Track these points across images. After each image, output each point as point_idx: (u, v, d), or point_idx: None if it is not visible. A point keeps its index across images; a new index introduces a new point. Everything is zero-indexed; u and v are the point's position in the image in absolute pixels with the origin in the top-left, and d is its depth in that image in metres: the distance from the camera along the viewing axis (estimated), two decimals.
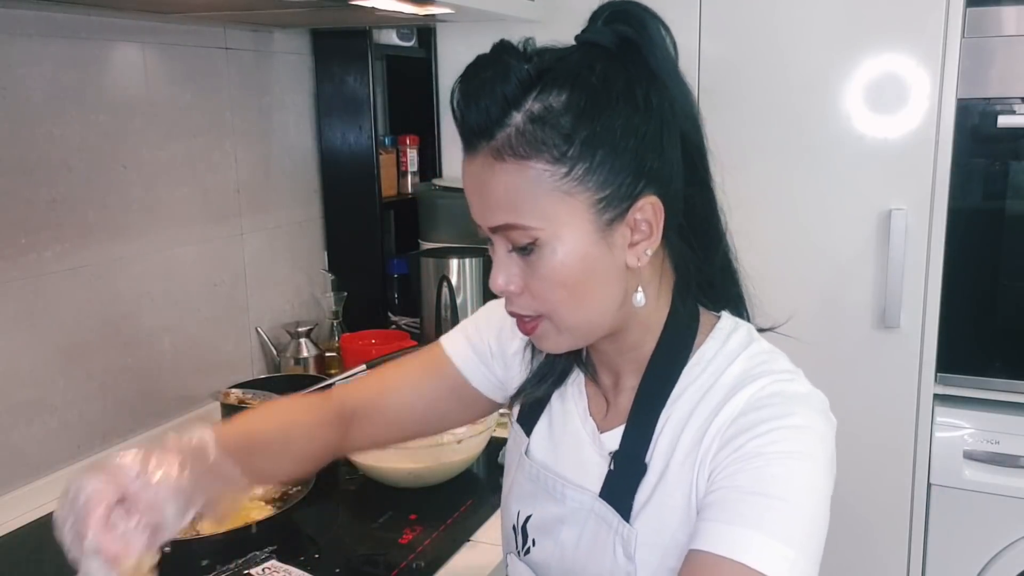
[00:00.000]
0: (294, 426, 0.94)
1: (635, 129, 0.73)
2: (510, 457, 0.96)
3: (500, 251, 0.77)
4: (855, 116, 1.80)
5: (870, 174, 1.80)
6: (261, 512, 1.25)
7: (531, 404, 0.92)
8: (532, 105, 0.72)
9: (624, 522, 0.78)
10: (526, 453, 0.91)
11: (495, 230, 0.76)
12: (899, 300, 1.79)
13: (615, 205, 0.74)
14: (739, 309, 0.87)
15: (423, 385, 0.99)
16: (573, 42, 0.78)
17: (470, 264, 1.98)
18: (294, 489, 1.32)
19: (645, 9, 0.77)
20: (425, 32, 2.19)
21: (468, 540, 1.25)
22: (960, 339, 1.78)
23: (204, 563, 1.15)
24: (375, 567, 1.20)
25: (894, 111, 1.77)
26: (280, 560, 1.15)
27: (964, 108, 1.71)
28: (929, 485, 1.83)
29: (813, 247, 1.86)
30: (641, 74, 0.75)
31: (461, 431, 1.43)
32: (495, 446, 1.52)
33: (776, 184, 1.84)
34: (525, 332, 0.80)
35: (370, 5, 1.48)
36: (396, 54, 2.19)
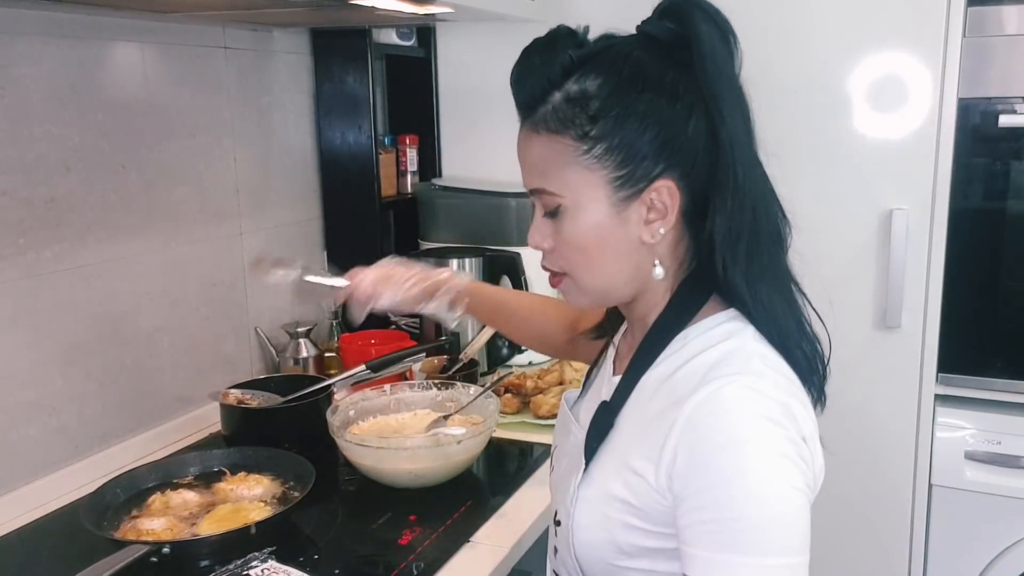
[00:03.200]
0: (534, 315, 1.28)
1: (658, 117, 0.80)
2: (562, 399, 1.08)
3: (537, 211, 0.88)
4: (856, 116, 1.79)
5: (871, 174, 1.80)
6: (260, 513, 1.25)
7: (595, 359, 1.04)
8: (571, 87, 0.82)
9: (583, 459, 0.88)
10: (571, 403, 1.02)
11: (531, 193, 0.87)
12: (900, 300, 1.79)
13: (631, 184, 0.81)
14: (809, 372, 0.85)
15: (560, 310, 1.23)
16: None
17: (470, 264, 1.98)
18: (294, 492, 1.32)
19: (698, 5, 0.82)
20: (425, 32, 2.18)
21: (468, 541, 1.25)
22: (961, 339, 1.78)
23: (204, 564, 1.14)
24: (375, 568, 1.20)
25: (895, 111, 1.77)
26: (279, 561, 1.15)
27: (965, 108, 1.71)
28: (930, 485, 1.83)
29: (814, 247, 1.83)
30: (678, 67, 0.81)
31: (461, 431, 1.43)
32: (495, 446, 1.52)
33: (777, 184, 1.83)
34: (553, 286, 0.90)
35: (370, 4, 1.47)
36: (396, 54, 2.19)
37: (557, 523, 0.92)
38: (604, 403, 0.90)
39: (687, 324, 0.86)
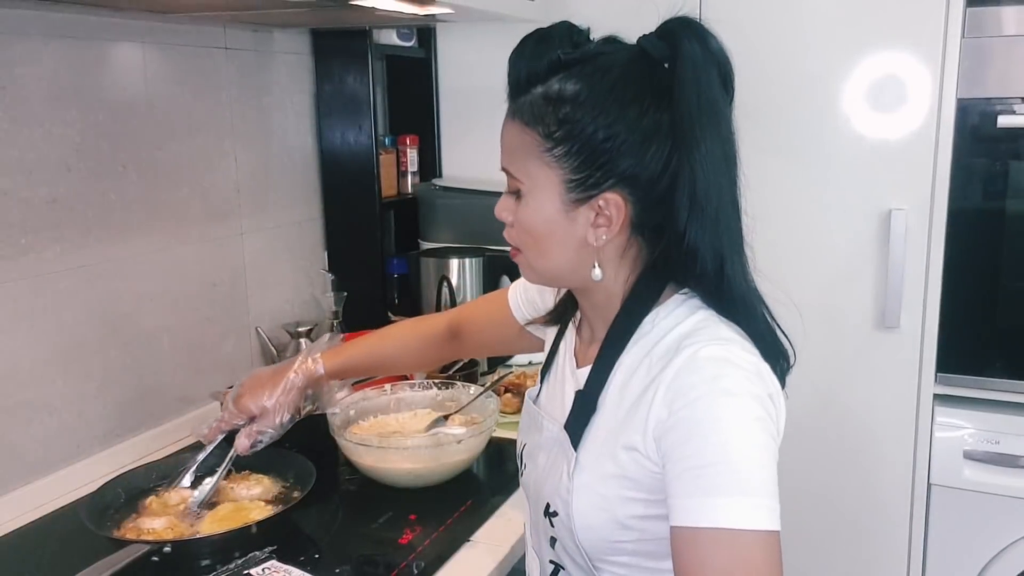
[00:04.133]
0: (404, 353, 1.35)
1: (617, 135, 0.83)
2: (526, 398, 1.09)
3: (507, 188, 0.92)
4: (855, 116, 1.80)
5: (870, 174, 1.80)
6: (261, 512, 1.25)
7: (549, 355, 1.07)
8: (552, 85, 0.86)
9: (572, 448, 0.91)
10: (534, 399, 1.05)
11: (503, 170, 0.92)
12: (899, 300, 1.79)
13: (582, 189, 0.86)
14: (768, 344, 0.88)
15: (502, 320, 1.24)
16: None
17: (470, 264, 1.98)
18: (294, 491, 1.32)
19: (693, 30, 0.83)
20: (425, 32, 2.18)
21: (468, 540, 1.25)
22: (960, 339, 1.78)
23: (204, 563, 1.14)
24: (375, 567, 1.20)
25: (894, 111, 1.77)
26: (280, 560, 1.15)
27: (964, 108, 1.71)
28: (929, 485, 1.83)
29: (813, 247, 1.85)
30: (659, 88, 0.83)
31: (461, 431, 1.43)
32: (495, 446, 1.52)
33: (776, 184, 1.84)
34: (511, 257, 0.96)
35: (370, 5, 1.48)
36: (396, 54, 2.19)
37: (553, 514, 0.94)
38: (580, 392, 0.93)
39: (649, 309, 0.90)
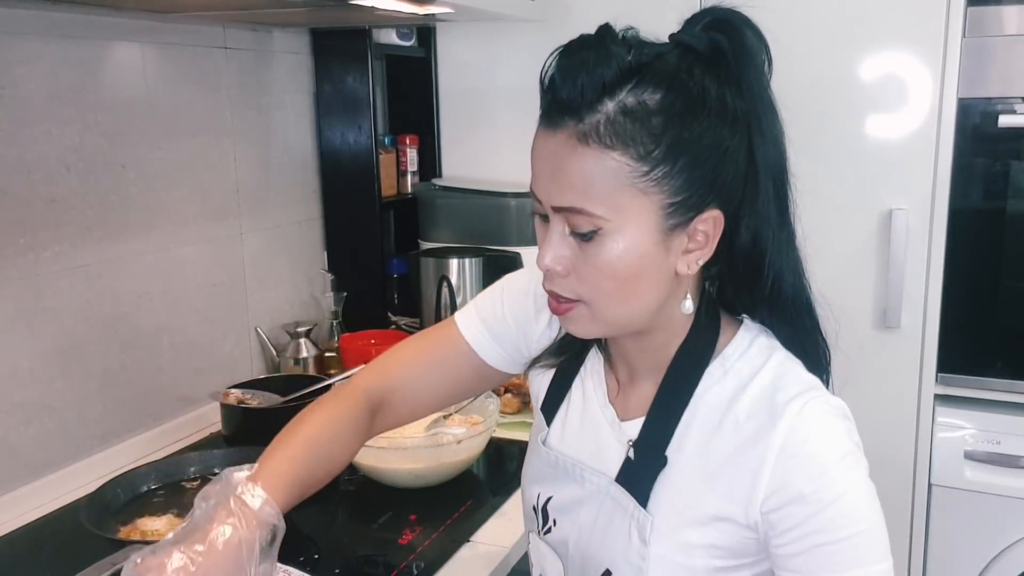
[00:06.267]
0: (334, 444, 0.93)
1: (720, 142, 0.75)
2: (532, 441, 0.98)
3: (555, 230, 0.77)
4: (856, 116, 1.79)
5: (871, 174, 1.80)
6: None
7: (553, 391, 0.95)
8: (626, 97, 0.72)
9: (640, 508, 0.81)
10: (544, 442, 0.93)
11: (559, 210, 0.76)
12: (900, 300, 1.79)
13: (682, 212, 0.75)
14: (815, 358, 0.87)
15: (444, 365, 1.00)
16: (666, 40, 0.79)
17: (470, 264, 1.98)
18: None
19: (745, 21, 0.77)
20: (425, 32, 2.18)
21: (468, 540, 1.25)
22: (961, 339, 1.78)
23: None
24: (375, 568, 1.20)
25: (895, 111, 1.77)
26: (279, 560, 1.15)
27: (965, 108, 1.71)
28: (930, 485, 1.83)
29: (813, 247, 1.84)
30: (733, 87, 0.76)
31: (461, 431, 1.43)
32: (495, 446, 1.52)
33: None
34: (557, 312, 0.81)
35: (370, 4, 1.47)
36: (396, 54, 2.19)
37: None
38: (638, 443, 0.83)
39: (715, 349, 0.83)
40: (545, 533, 0.92)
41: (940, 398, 1.82)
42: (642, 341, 0.84)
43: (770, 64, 0.79)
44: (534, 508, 0.93)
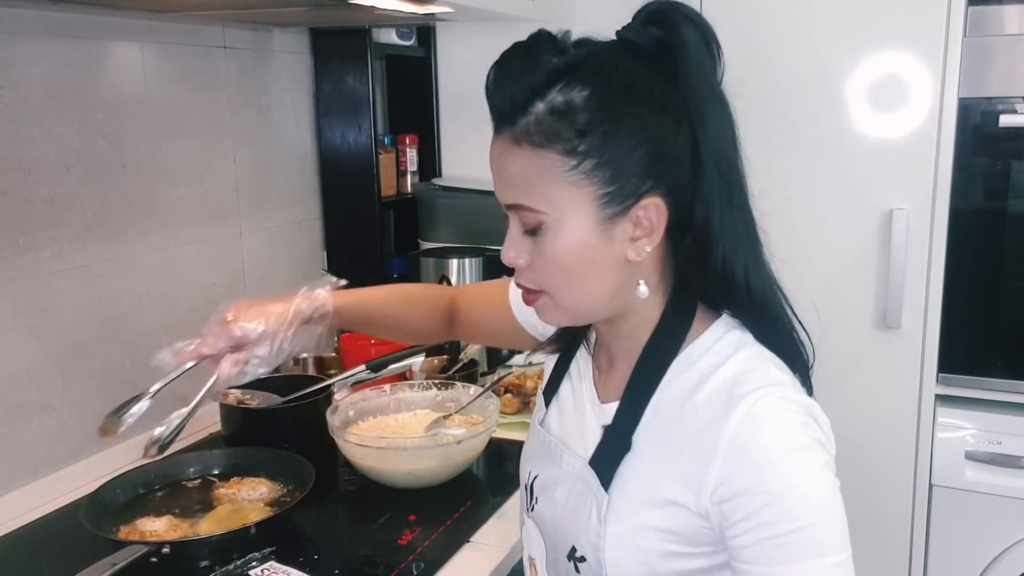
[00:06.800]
0: (408, 313, 1.18)
1: (648, 132, 0.77)
2: (532, 421, 1.03)
3: (513, 227, 0.83)
4: (856, 115, 1.79)
5: (871, 174, 1.79)
6: (260, 513, 1.25)
7: (554, 374, 0.99)
8: (555, 97, 0.77)
9: (601, 488, 0.84)
10: (541, 423, 0.98)
11: (509, 208, 0.82)
12: (900, 300, 1.79)
13: (619, 201, 0.78)
14: (792, 354, 0.85)
15: (498, 311, 1.14)
16: (612, 36, 0.81)
17: (470, 264, 1.98)
18: (294, 492, 1.32)
19: (684, 13, 0.78)
20: (425, 31, 2.18)
21: (468, 541, 1.25)
22: (962, 339, 1.78)
23: (203, 564, 1.14)
24: (375, 568, 1.20)
25: (895, 110, 1.76)
26: (279, 561, 1.15)
27: (966, 107, 1.70)
28: (931, 486, 1.83)
29: (814, 247, 1.85)
30: (667, 77, 0.78)
31: (461, 431, 1.42)
32: (495, 447, 1.52)
33: (777, 183, 1.83)
34: (527, 303, 0.86)
35: (369, 4, 1.47)
36: (396, 53, 2.19)
37: (580, 559, 0.86)
38: (609, 427, 0.86)
39: (685, 340, 0.84)
40: (531, 511, 0.96)
41: (941, 398, 1.82)
42: (613, 328, 0.88)
43: (719, 54, 0.80)
44: (526, 486, 0.98)
